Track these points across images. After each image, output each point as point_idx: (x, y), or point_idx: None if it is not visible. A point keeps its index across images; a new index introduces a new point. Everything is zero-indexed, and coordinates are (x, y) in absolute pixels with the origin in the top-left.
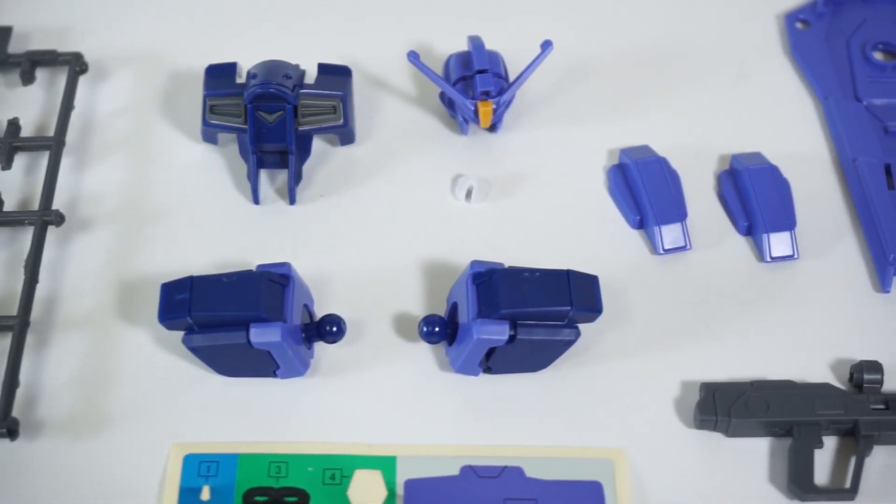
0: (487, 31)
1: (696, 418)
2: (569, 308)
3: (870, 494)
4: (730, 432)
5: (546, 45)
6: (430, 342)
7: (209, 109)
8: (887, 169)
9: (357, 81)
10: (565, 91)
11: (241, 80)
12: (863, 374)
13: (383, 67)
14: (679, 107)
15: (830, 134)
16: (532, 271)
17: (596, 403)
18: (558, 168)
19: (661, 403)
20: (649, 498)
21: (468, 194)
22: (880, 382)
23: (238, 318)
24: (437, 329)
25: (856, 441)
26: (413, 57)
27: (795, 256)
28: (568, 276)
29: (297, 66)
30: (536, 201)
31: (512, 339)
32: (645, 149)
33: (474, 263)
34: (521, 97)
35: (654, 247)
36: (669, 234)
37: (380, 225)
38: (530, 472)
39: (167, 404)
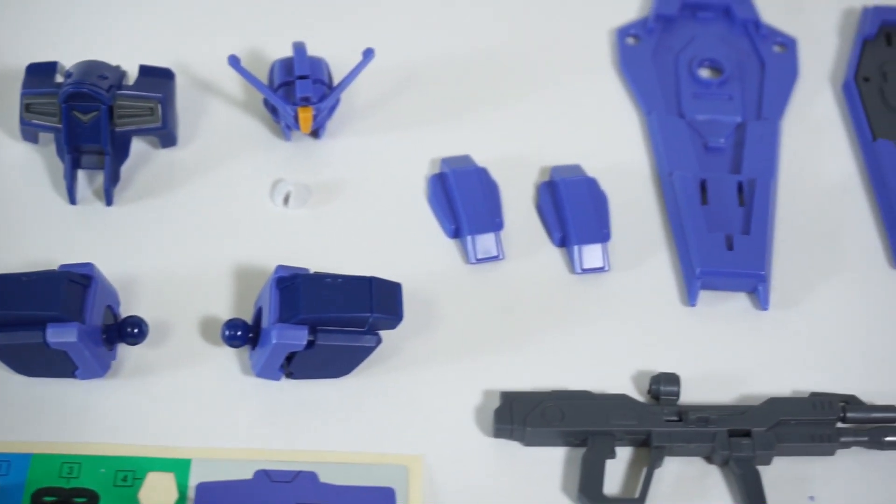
0: (319, 37)
1: (493, 427)
2: (368, 314)
3: (657, 500)
4: (526, 441)
5: (367, 53)
6: (232, 346)
7: (25, 108)
8: (703, 184)
9: (184, 85)
10: (393, 99)
11: (61, 79)
12: (660, 386)
13: (212, 72)
14: (506, 117)
15: (652, 148)
16: (335, 277)
17: (396, 410)
18: (380, 176)
19: (461, 412)
20: (442, 503)
21: (286, 200)
22: (677, 395)
23: (35, 317)
24: (238, 333)
25: (649, 452)
26: (233, 61)
27: (606, 269)
28: (370, 282)
29: (117, 68)
30: (355, 208)
31: (311, 344)
32: (465, 159)
33: (279, 268)
34: (348, 104)
35: (467, 256)
36: (482, 244)
37: (195, 228)
38: (324, 478)
39: None
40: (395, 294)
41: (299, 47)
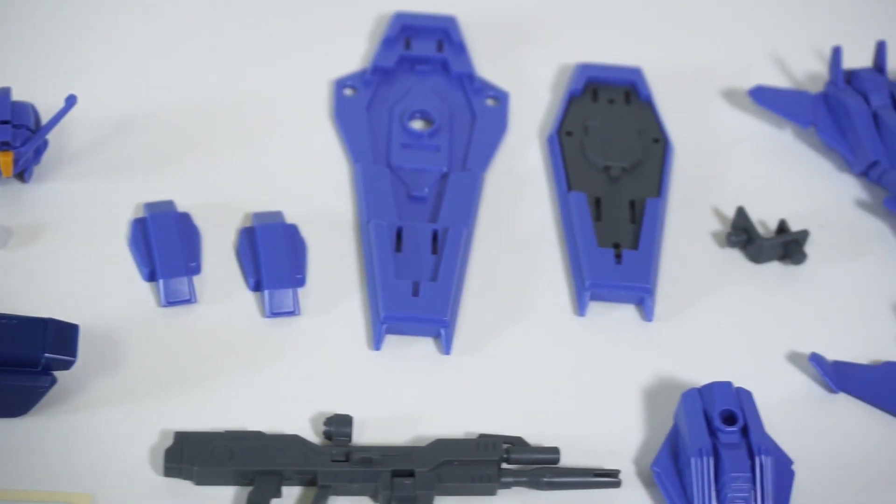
0: (32, 83)
1: (163, 465)
2: (41, 354)
3: None
4: (197, 480)
5: (69, 100)
6: None
7: None
8: (399, 232)
9: None
10: (104, 144)
11: None
12: (333, 428)
13: None
14: (217, 164)
15: (356, 197)
16: (10, 318)
17: (71, 449)
18: (85, 219)
19: (136, 451)
20: None
21: None
22: (348, 435)
23: None
24: None
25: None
26: None
27: (296, 313)
28: (45, 323)
29: None
30: (57, 251)
31: None
32: (167, 204)
33: None
34: (59, 148)
35: (159, 299)
36: (173, 287)
37: None
38: None
39: None
40: (71, 335)
41: (1, 93)
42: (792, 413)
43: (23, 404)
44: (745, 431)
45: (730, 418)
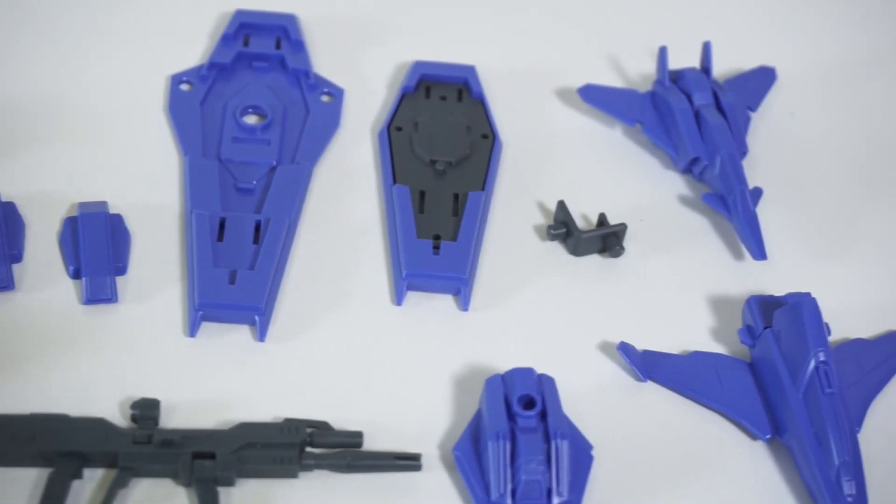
0: None
1: None
2: None
3: None
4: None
5: None
6: None
7: None
8: (222, 223)
9: None
10: None
11: None
12: (139, 411)
13: None
14: (50, 155)
15: (183, 189)
16: None
17: None
18: None
19: None
20: None
21: None
22: (155, 419)
23: None
24: None
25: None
26: None
27: (114, 300)
28: None
29: None
30: None
31: None
32: None
33: None
34: None
35: None
36: None
37: None
38: None
39: None
40: None
41: None
42: (601, 401)
43: None
44: (543, 416)
45: (529, 403)
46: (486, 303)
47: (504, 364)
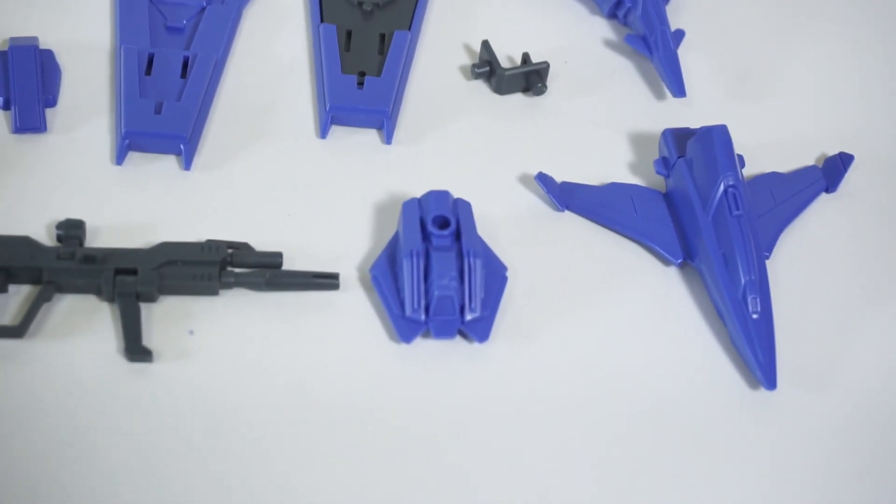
0: None
1: None
2: None
3: (44, 334)
4: None
5: None
6: None
7: None
8: (151, 58)
9: None
10: None
11: None
12: (65, 231)
13: None
14: None
15: (114, 26)
16: None
17: None
18: None
19: None
20: None
21: None
22: (79, 238)
23: None
24: None
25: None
26: None
27: (43, 130)
28: None
29: None
30: None
31: None
32: None
33: None
34: None
35: None
36: None
37: None
38: None
39: None
40: None
41: None
42: (519, 229)
43: None
44: (458, 237)
45: (443, 223)
46: (410, 138)
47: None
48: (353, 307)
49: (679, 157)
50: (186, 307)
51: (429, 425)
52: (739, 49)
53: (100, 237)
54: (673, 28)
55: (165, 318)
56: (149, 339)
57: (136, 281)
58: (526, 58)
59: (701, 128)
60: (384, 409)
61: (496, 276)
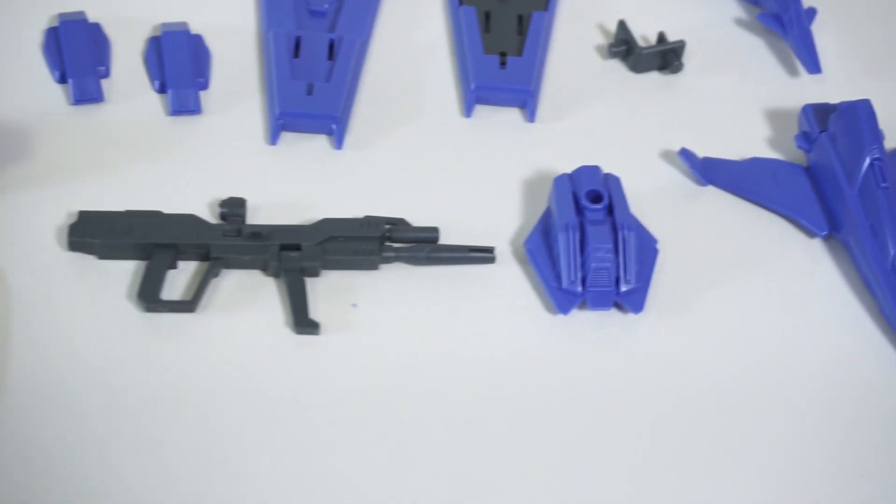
0: None
1: (68, 241)
2: None
3: (213, 308)
4: (99, 254)
5: None
6: None
7: None
8: (298, 41)
9: None
10: None
11: None
12: (228, 209)
13: None
14: None
15: (259, 11)
16: None
17: None
18: None
19: (44, 230)
20: (17, 307)
21: None
22: (242, 216)
23: None
24: None
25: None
26: None
27: (198, 111)
28: None
29: None
30: None
31: None
32: (78, 13)
33: None
34: None
35: (70, 98)
36: (81, 87)
37: None
38: None
39: None
40: None
41: None
42: (663, 204)
43: None
44: (610, 211)
45: (596, 197)
46: (551, 116)
47: (569, 169)
48: (508, 280)
49: (821, 132)
50: (348, 281)
51: (586, 393)
52: (869, 26)
53: (258, 215)
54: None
55: (328, 292)
56: (314, 312)
57: (300, 256)
58: (662, 36)
59: (843, 103)
60: (542, 379)
61: (647, 248)
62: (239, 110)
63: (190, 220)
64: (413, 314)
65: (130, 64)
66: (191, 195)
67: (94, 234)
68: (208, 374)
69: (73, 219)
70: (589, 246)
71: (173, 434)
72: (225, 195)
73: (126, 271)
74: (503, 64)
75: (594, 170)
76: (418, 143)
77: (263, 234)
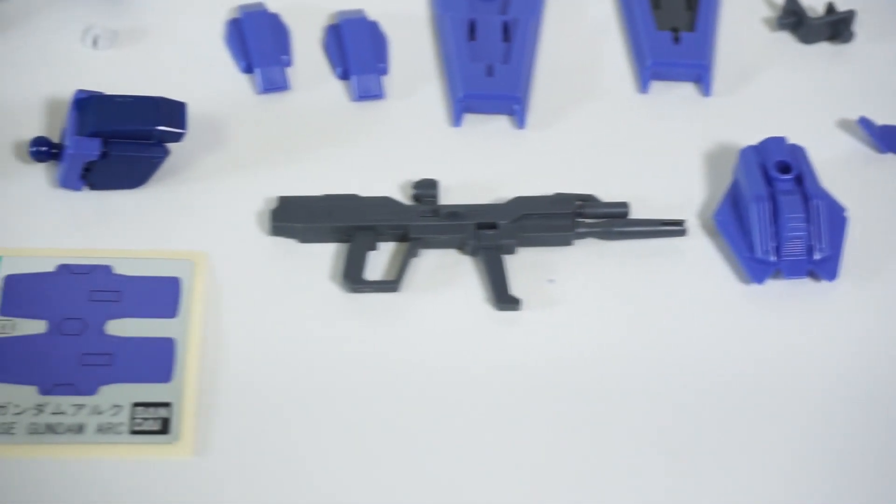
0: None
1: (270, 225)
2: (154, 127)
3: (414, 287)
4: (300, 238)
5: None
6: (38, 160)
7: None
8: (472, 24)
9: None
10: None
11: None
12: (421, 190)
13: None
14: None
15: None
16: (125, 97)
17: (185, 215)
18: (179, 21)
19: (243, 215)
20: (224, 291)
21: (94, 42)
22: (435, 197)
23: None
24: (43, 148)
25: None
26: None
27: (381, 96)
28: (157, 101)
29: None
30: (159, 49)
31: (105, 155)
32: (258, 5)
33: (78, 92)
34: None
35: (256, 88)
36: (268, 76)
37: (11, 65)
38: (119, 270)
39: None
40: (180, 110)
41: None
42: (843, 171)
43: (141, 175)
44: (799, 181)
45: (785, 168)
46: (724, 89)
47: (747, 141)
48: (698, 252)
49: None
50: (542, 257)
51: (783, 361)
52: None
53: (447, 195)
54: None
55: (524, 268)
56: (512, 288)
57: (497, 234)
58: (831, 6)
59: None
60: (738, 349)
61: (836, 216)
62: (419, 94)
63: (387, 203)
64: (608, 288)
65: (309, 51)
66: (379, 178)
67: (295, 218)
68: (414, 350)
69: (273, 204)
70: (782, 216)
71: (383, 410)
72: (412, 177)
73: (326, 254)
74: (676, 40)
75: (780, 141)
76: (596, 119)
77: (460, 214)
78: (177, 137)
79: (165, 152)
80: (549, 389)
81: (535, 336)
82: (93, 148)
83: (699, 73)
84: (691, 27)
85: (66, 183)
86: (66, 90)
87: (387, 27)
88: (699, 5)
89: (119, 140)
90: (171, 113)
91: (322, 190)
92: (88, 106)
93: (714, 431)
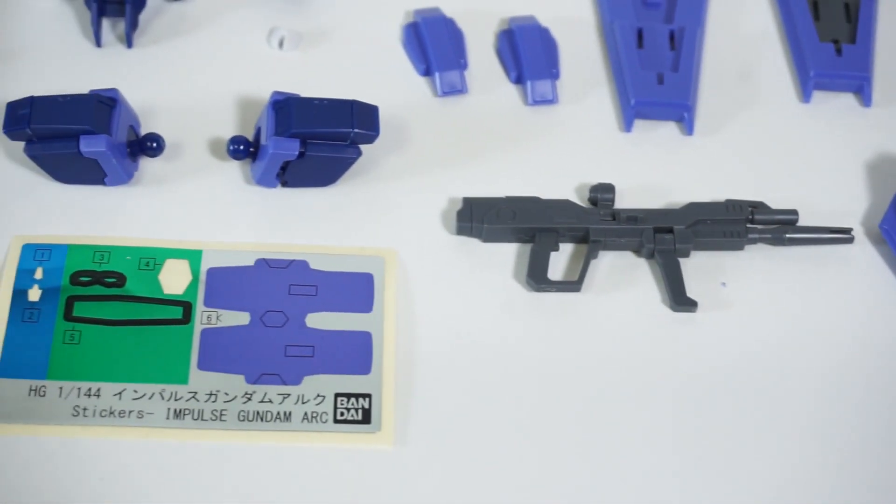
0: None
1: (456, 225)
2: (350, 129)
3: (594, 288)
4: (484, 237)
5: None
6: (235, 158)
7: None
8: (639, 32)
9: None
10: None
11: None
12: (598, 194)
13: None
14: None
15: (597, 3)
16: (322, 100)
17: (375, 213)
18: (361, 25)
19: (429, 215)
20: (412, 287)
21: (280, 44)
22: (612, 200)
23: (70, 130)
24: (241, 147)
25: (587, 246)
26: None
27: (555, 101)
28: (352, 104)
29: None
30: (340, 52)
31: (302, 154)
32: (435, 10)
33: (275, 93)
34: None
35: (435, 90)
36: (448, 80)
37: (203, 67)
38: (315, 265)
39: (10, 205)
40: (373, 114)
41: None
42: None
43: (333, 174)
44: None
45: None
46: (886, 100)
47: None
48: (864, 260)
49: None
50: (715, 261)
51: None
52: None
53: (621, 198)
54: None
55: (698, 271)
56: (687, 291)
57: (673, 238)
58: None
59: None
60: None
61: None
62: (589, 99)
63: (567, 206)
64: (779, 293)
65: (482, 56)
66: (554, 180)
67: (481, 218)
68: (596, 349)
69: (458, 205)
70: None
71: (567, 405)
72: (585, 180)
73: (508, 253)
74: (838, 52)
75: None
76: (760, 127)
77: (639, 218)
78: (370, 139)
79: (358, 153)
80: (724, 388)
81: (710, 337)
82: (293, 148)
83: (860, 84)
84: (851, 39)
85: (263, 180)
86: (255, 90)
87: (555, 32)
88: (859, 16)
89: (316, 141)
90: (365, 116)
91: (500, 191)
92: (287, 107)
93: (885, 433)
